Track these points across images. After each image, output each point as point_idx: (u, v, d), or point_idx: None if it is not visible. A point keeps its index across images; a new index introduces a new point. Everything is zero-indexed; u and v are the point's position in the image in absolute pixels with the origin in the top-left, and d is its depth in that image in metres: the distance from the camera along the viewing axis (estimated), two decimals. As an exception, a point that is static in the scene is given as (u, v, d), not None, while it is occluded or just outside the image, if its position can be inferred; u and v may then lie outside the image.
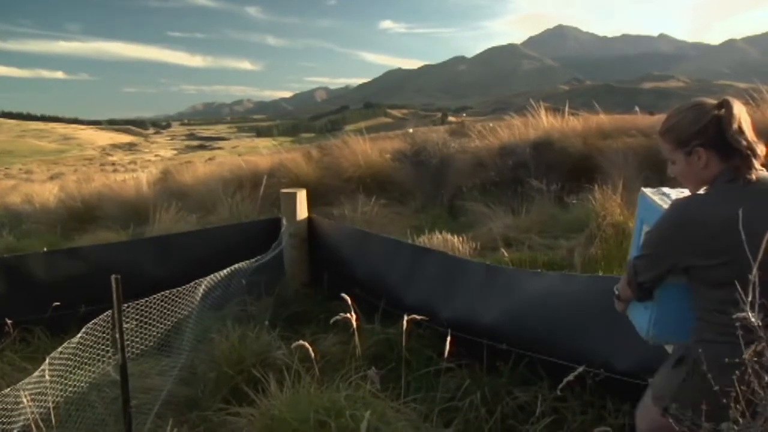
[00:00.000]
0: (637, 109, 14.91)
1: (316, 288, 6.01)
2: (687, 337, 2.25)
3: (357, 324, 3.36)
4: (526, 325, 4.04)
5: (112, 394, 3.81)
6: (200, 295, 4.61)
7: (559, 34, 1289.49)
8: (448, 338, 3.17)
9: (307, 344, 3.24)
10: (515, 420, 3.33)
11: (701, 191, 2.25)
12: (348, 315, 3.24)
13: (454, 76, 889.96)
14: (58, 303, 5.20)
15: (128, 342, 3.74)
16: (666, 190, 2.59)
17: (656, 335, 2.39)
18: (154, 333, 4.12)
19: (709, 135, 2.18)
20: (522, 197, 8.85)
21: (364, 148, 12.20)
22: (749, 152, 2.14)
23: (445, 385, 3.74)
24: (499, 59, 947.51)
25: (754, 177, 2.15)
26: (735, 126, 2.15)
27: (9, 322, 4.99)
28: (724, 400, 1.85)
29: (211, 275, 4.79)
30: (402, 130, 23.74)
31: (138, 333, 3.97)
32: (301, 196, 6.14)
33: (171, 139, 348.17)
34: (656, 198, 2.51)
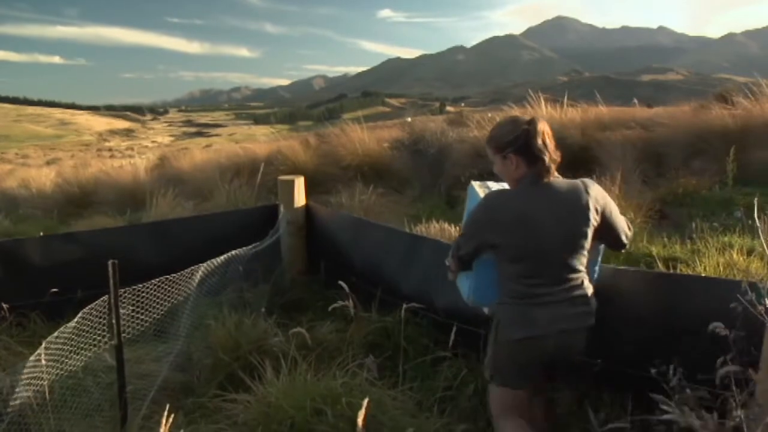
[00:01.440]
0: (635, 101, 14.91)
1: (313, 275, 6.01)
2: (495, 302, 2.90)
3: (354, 312, 3.35)
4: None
5: (108, 379, 3.80)
6: (197, 281, 4.60)
7: (559, 25, 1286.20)
8: (453, 329, 3.16)
9: (303, 331, 3.24)
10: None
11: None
12: (345, 303, 3.23)
13: (453, 65, 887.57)
14: (54, 288, 5.20)
15: (124, 327, 3.74)
16: (490, 183, 3.23)
17: (474, 299, 3.02)
18: (150, 319, 4.11)
19: (519, 144, 2.80)
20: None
21: (362, 136, 12.18)
22: (549, 162, 2.79)
23: (441, 374, 3.74)
24: (498, 49, 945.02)
25: (550, 180, 2.80)
26: (539, 140, 2.79)
27: (5, 306, 4.98)
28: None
29: (208, 261, 4.78)
30: (400, 119, 23.71)
31: (134, 319, 3.96)
32: (299, 183, 6.13)
33: (168, 126, 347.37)
34: (479, 190, 3.12)
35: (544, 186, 2.79)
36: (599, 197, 2.84)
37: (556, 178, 2.83)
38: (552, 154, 2.81)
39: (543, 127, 2.85)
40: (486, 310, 3.07)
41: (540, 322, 2.72)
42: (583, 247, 2.79)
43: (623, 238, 2.93)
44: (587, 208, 2.77)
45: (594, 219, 2.79)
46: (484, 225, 2.81)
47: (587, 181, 2.88)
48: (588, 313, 2.82)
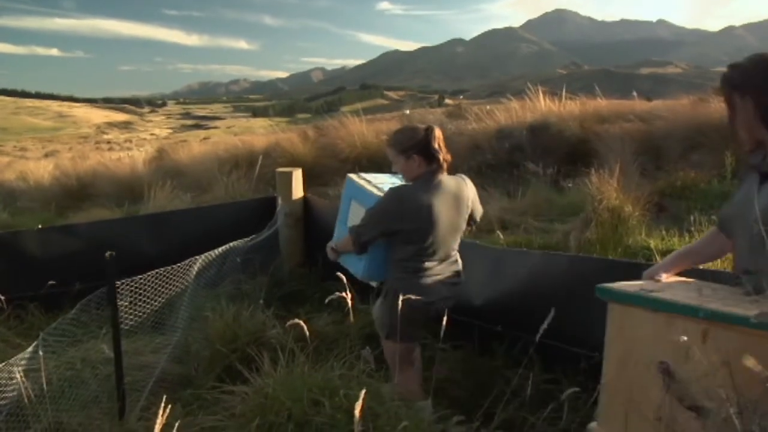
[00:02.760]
0: (634, 94, 14.88)
1: (311, 267, 6.01)
2: (386, 276, 3.58)
3: (351, 304, 3.35)
4: (515, 304, 4.08)
5: (106, 371, 3.80)
6: (194, 273, 4.60)
7: (558, 18, 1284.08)
8: (444, 319, 3.17)
9: (301, 323, 3.23)
10: (507, 401, 3.33)
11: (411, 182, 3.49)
12: (343, 294, 3.23)
13: (452, 58, 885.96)
14: (52, 281, 5.20)
15: (122, 319, 3.74)
16: (368, 176, 3.95)
17: (368, 276, 3.71)
18: (148, 310, 4.11)
19: (421, 147, 3.42)
20: (518, 180, 8.84)
21: (360, 129, 12.15)
22: (442, 162, 3.45)
23: (438, 365, 3.74)
24: (497, 42, 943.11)
25: (441, 178, 3.44)
26: (436, 143, 3.43)
27: (3, 298, 4.98)
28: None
29: (206, 253, 4.78)
30: (399, 112, 23.67)
31: (132, 310, 3.96)
32: (297, 175, 6.13)
33: (166, 118, 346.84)
34: (363, 183, 3.81)
35: (439, 181, 3.43)
36: (472, 190, 3.62)
37: (445, 176, 3.49)
38: (444, 155, 3.46)
39: (438, 133, 3.49)
40: (374, 283, 3.91)
41: (430, 291, 3.42)
42: (461, 231, 3.60)
43: (478, 218, 3.75)
44: (468, 199, 3.55)
45: (469, 208, 3.58)
46: (394, 214, 3.39)
47: (464, 177, 3.62)
48: (460, 284, 3.65)
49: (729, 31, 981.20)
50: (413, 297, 3.17)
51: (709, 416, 1.85)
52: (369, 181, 3.85)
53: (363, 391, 2.08)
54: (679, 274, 2.59)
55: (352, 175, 3.89)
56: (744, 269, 2.24)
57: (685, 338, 1.88)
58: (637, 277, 2.58)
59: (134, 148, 23.03)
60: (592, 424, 2.36)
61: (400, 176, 3.69)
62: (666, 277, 2.49)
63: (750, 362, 1.60)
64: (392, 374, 3.52)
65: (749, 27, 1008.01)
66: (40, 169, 15.41)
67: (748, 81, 2.26)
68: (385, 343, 3.61)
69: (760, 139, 2.29)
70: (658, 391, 1.97)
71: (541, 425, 3.12)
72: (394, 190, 3.44)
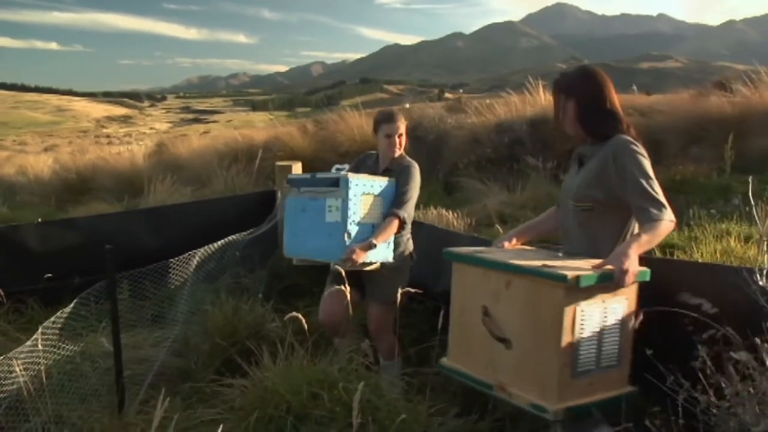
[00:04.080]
0: (634, 88, 14.86)
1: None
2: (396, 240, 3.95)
3: (350, 297, 3.35)
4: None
5: (105, 364, 3.80)
6: (194, 266, 4.60)
7: (558, 11, 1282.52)
8: (441, 312, 3.17)
9: (300, 317, 3.24)
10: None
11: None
12: (341, 287, 3.24)
13: (452, 52, 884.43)
14: (51, 274, 5.19)
15: (121, 313, 3.74)
16: (329, 175, 3.95)
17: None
18: (148, 304, 4.12)
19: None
20: (517, 174, 8.84)
21: (360, 122, 12.14)
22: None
23: (437, 358, 3.74)
24: (497, 36, 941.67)
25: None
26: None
27: (2, 292, 4.98)
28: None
29: (205, 247, 4.78)
30: (399, 106, 23.63)
31: (131, 304, 3.97)
32: (297, 169, 6.12)
33: (166, 112, 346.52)
34: (363, 177, 3.81)
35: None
36: None
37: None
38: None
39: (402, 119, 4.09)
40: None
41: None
42: None
43: None
44: None
45: None
46: (420, 184, 4.05)
47: None
48: None
49: (729, 25, 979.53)
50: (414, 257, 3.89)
51: (510, 345, 2.48)
52: (358, 176, 3.85)
53: (362, 384, 2.09)
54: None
55: (351, 175, 3.81)
56: (564, 234, 2.94)
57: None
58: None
59: (134, 142, 22.99)
60: (444, 359, 2.92)
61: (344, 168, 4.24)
62: (508, 245, 3.08)
63: None
64: (384, 337, 3.91)
65: (750, 21, 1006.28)
66: (40, 163, 15.42)
67: (572, 87, 2.85)
68: (388, 306, 3.78)
69: (579, 135, 2.87)
70: (481, 328, 2.58)
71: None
72: (414, 164, 4.02)
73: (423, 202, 7.41)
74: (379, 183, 3.85)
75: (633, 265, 2.39)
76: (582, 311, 2.34)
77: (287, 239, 4.03)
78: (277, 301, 4.92)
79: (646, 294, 2.55)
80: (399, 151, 4.03)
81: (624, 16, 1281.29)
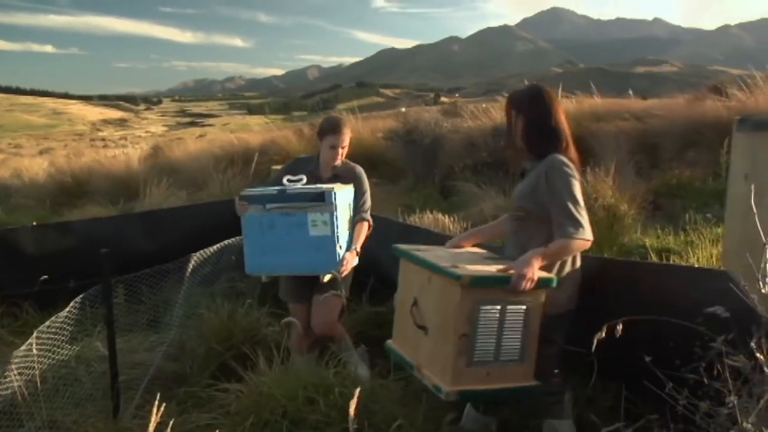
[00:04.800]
0: (630, 92, 14.88)
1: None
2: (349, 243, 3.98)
3: (346, 302, 3.35)
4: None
5: (100, 368, 3.79)
6: (189, 270, 4.59)
7: (554, 16, 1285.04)
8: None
9: (296, 321, 3.23)
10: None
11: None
12: (337, 293, 3.24)
13: (448, 56, 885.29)
14: (46, 277, 5.17)
15: (117, 317, 3.73)
16: (272, 190, 3.91)
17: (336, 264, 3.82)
18: (143, 308, 4.10)
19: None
20: (513, 178, 8.84)
21: (356, 126, 12.15)
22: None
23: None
24: (493, 40, 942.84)
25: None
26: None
27: (-3, 295, 4.97)
28: None
29: (201, 251, 4.77)
30: (394, 110, 23.66)
31: (127, 308, 3.96)
32: (293, 173, 6.10)
33: (162, 116, 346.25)
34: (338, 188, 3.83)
35: None
36: None
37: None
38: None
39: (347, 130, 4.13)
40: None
41: None
42: None
43: None
44: None
45: None
46: None
47: None
48: None
49: (724, 30, 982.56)
50: None
51: (427, 332, 2.80)
52: (337, 188, 3.88)
53: (358, 389, 2.08)
54: None
55: (338, 187, 3.89)
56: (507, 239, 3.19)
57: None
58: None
59: (129, 146, 22.98)
60: (389, 341, 3.17)
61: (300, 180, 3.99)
62: (454, 246, 3.32)
63: None
64: (335, 328, 3.94)
65: (744, 26, 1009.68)
66: (35, 166, 15.39)
67: (522, 104, 3.01)
68: (338, 300, 3.87)
69: (524, 150, 3.04)
70: (411, 316, 2.89)
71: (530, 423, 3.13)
72: (362, 169, 4.23)
73: (419, 206, 7.42)
74: (349, 193, 3.99)
75: (532, 272, 2.63)
76: (479, 308, 2.62)
77: (251, 258, 3.98)
78: (272, 305, 4.90)
79: (646, 298, 2.55)
80: (340, 161, 4.09)
81: (619, 20, 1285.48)
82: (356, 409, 1.97)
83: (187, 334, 4.54)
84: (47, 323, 3.34)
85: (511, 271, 2.65)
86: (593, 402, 3.15)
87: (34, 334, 3.20)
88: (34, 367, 3.19)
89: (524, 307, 2.71)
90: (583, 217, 2.79)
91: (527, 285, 2.62)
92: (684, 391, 2.07)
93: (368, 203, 4.14)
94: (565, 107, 11.68)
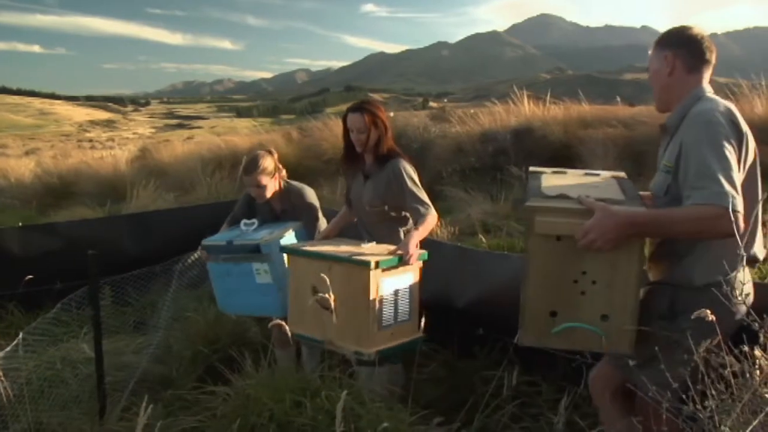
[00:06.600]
0: (618, 99, 14.96)
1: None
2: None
3: (334, 305, 3.36)
4: (495, 307, 4.09)
5: (87, 370, 3.78)
6: (176, 273, 4.58)
7: (543, 22, 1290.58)
8: (422, 320, 3.20)
9: (283, 324, 3.23)
10: (486, 403, 3.34)
11: None
12: (325, 296, 3.24)
13: (437, 61, 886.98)
14: (32, 277, 5.15)
15: (103, 319, 3.72)
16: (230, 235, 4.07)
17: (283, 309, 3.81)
18: (130, 310, 4.10)
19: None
20: (501, 184, 8.87)
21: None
22: None
23: (420, 367, 3.75)
24: (482, 46, 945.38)
25: None
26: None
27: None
28: None
29: (188, 254, 4.77)
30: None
31: (113, 310, 3.95)
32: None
33: (150, 117, 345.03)
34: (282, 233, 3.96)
35: None
36: None
37: None
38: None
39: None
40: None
41: None
42: None
43: None
44: None
45: None
46: None
47: None
48: None
49: (712, 38, 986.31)
50: None
51: (333, 312, 3.17)
52: (275, 236, 3.93)
53: (344, 393, 2.09)
54: None
55: (278, 237, 3.93)
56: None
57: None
58: None
59: (117, 147, 22.86)
60: (290, 327, 3.34)
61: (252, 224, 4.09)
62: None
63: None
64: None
65: (732, 35, 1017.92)
66: (21, 167, 15.25)
67: (376, 116, 3.71)
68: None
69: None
70: (312, 301, 3.25)
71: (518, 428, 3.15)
72: (306, 192, 4.26)
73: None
74: (290, 234, 4.00)
75: (415, 250, 3.40)
76: (382, 283, 3.25)
77: (219, 299, 4.15)
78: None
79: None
80: (269, 195, 4.11)
81: (608, 27, 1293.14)
82: (343, 412, 1.98)
83: (173, 336, 4.54)
84: (33, 324, 3.33)
85: (399, 252, 3.34)
86: (579, 408, 3.17)
87: (20, 336, 3.19)
88: (19, 368, 3.18)
89: (410, 276, 3.45)
90: (427, 200, 3.66)
91: (414, 260, 3.39)
92: (667, 394, 2.08)
93: (321, 222, 4.30)
94: (554, 114, 11.76)
